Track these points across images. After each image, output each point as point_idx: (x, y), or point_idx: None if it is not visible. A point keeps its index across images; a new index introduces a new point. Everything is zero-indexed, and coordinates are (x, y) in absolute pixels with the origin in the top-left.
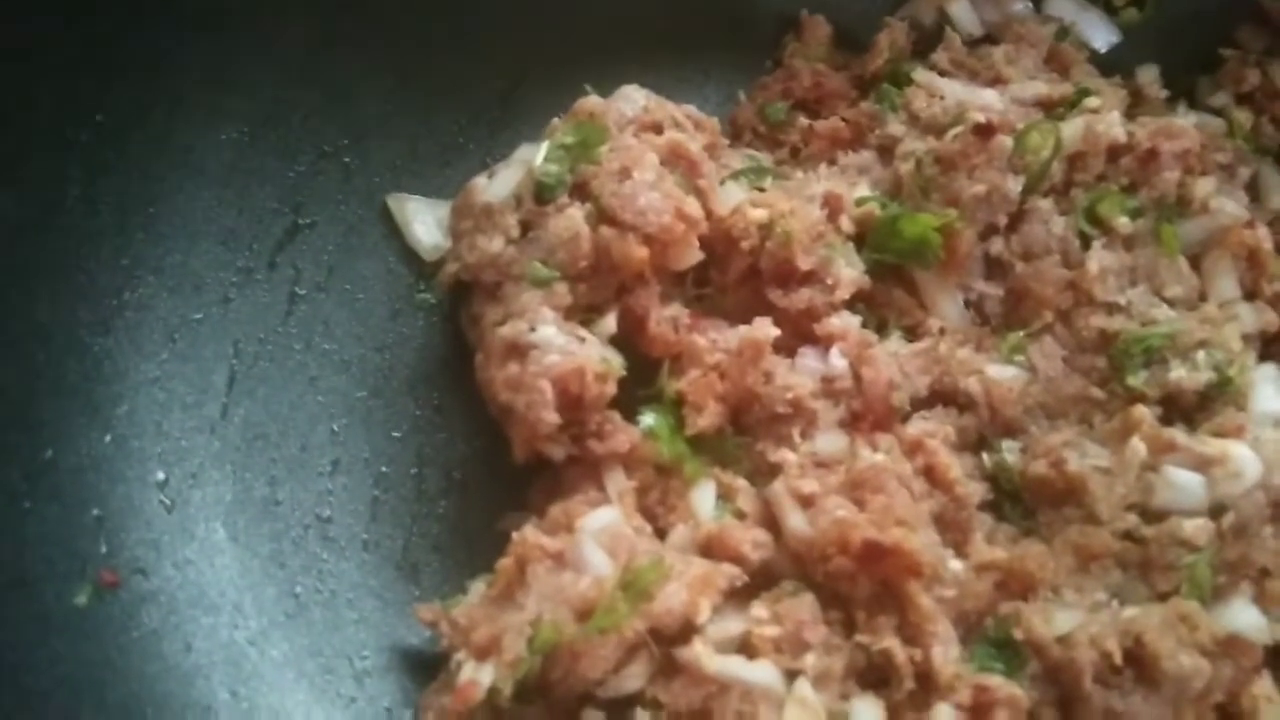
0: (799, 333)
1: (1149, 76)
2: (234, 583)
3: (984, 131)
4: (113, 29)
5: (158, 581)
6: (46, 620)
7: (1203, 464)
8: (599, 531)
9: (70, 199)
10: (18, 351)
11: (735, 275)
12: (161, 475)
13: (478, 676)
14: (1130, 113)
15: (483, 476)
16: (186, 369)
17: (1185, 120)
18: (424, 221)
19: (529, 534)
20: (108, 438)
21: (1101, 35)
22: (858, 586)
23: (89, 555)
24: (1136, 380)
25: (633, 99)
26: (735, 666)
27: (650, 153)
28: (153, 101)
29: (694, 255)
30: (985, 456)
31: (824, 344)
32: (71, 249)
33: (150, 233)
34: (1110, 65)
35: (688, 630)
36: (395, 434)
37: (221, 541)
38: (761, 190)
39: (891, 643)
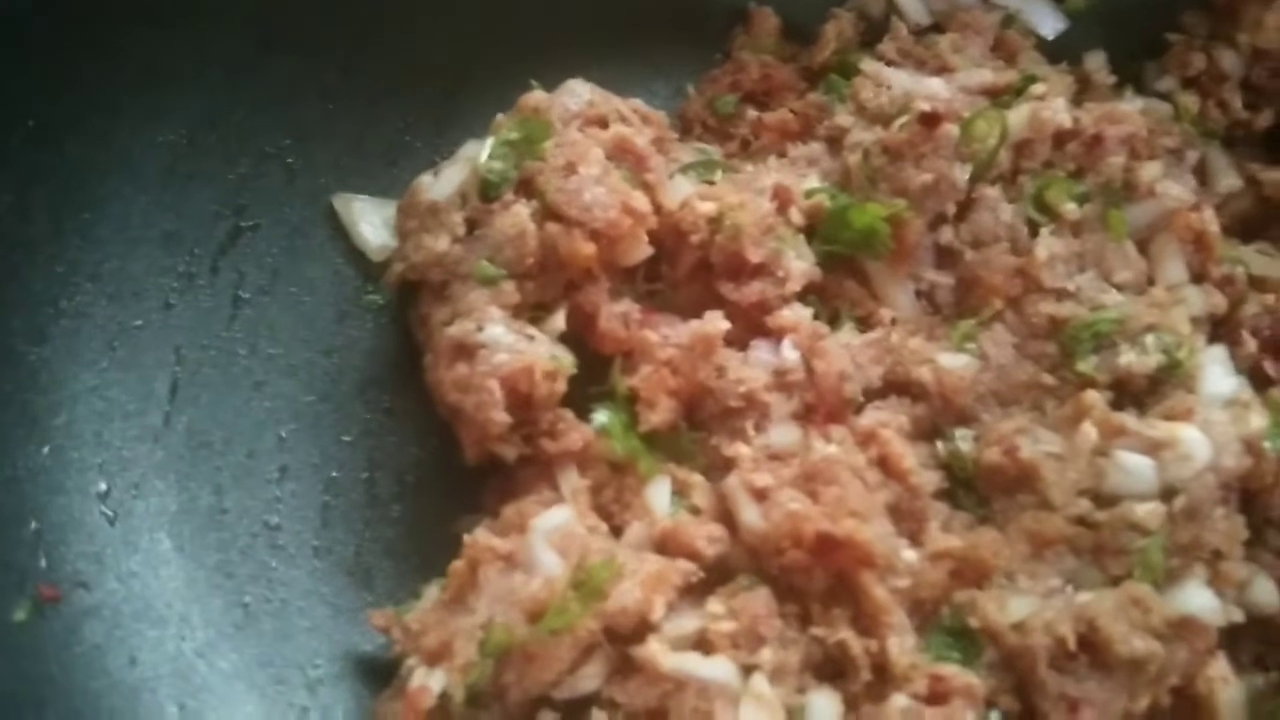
0: (750, 326)
1: (1096, 63)
2: (180, 594)
3: (930, 120)
4: (46, 31)
5: (100, 595)
6: None
7: (1153, 447)
8: (551, 531)
9: (2, 206)
10: None
11: (685, 269)
12: (103, 486)
13: (429, 682)
14: (1078, 99)
15: (435, 479)
16: (127, 377)
17: (1132, 105)
18: (370, 222)
19: (481, 536)
20: (45, 449)
21: (1048, 22)
22: (812, 579)
23: (27, 570)
24: (1087, 365)
25: (577, 93)
26: (691, 663)
27: (595, 147)
28: (87, 104)
29: (643, 250)
30: (939, 445)
31: (776, 337)
32: (4, 257)
33: (87, 238)
34: (1058, 52)
35: (643, 628)
36: (345, 438)
37: (167, 552)
38: (711, 184)
39: (847, 634)
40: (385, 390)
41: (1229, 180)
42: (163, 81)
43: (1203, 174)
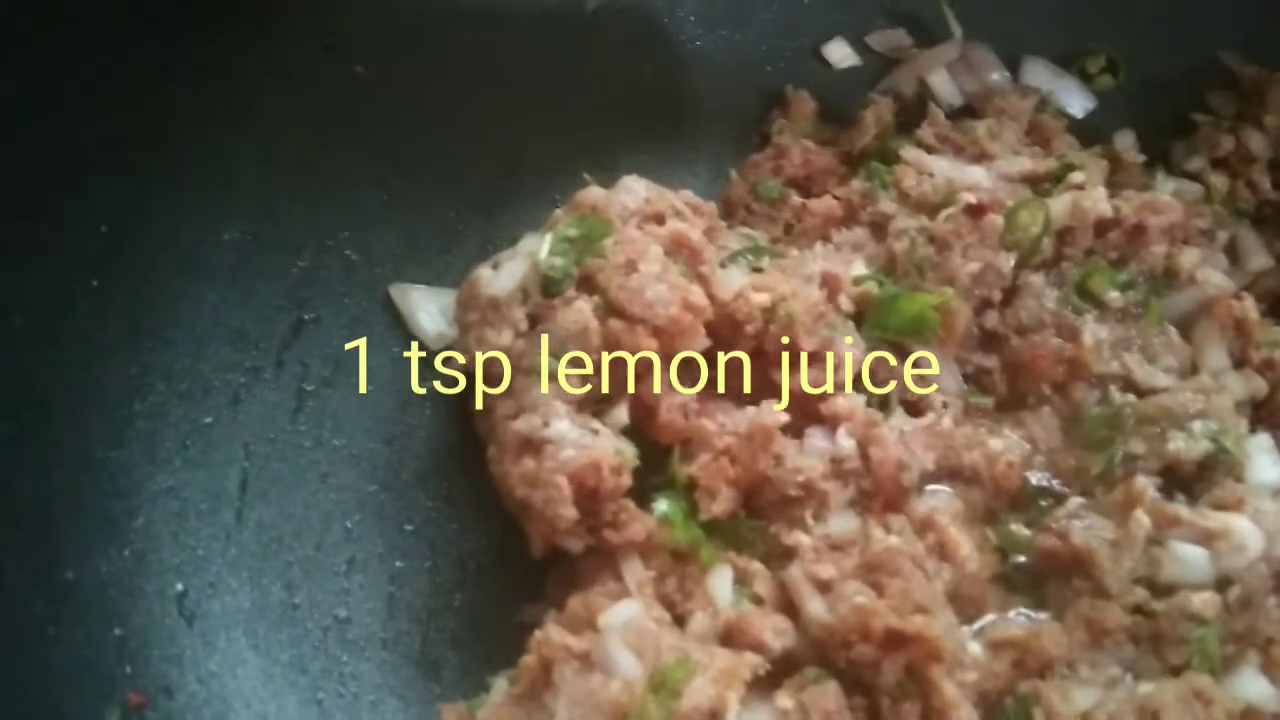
0: (805, 413)
1: (1126, 142)
2: (257, 693)
3: (975, 212)
4: (113, 133)
5: (183, 699)
6: None
7: (1206, 538)
8: (623, 628)
9: (79, 311)
10: (34, 473)
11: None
12: (180, 587)
13: None
14: (1109, 179)
15: (497, 566)
16: (199, 475)
17: (1164, 187)
18: (427, 310)
19: (553, 632)
20: (126, 553)
21: (1078, 102)
22: (881, 674)
23: (115, 677)
24: (1135, 450)
25: (634, 190)
26: None
27: (655, 244)
28: (155, 206)
29: (701, 342)
30: (990, 531)
31: (830, 424)
32: (82, 362)
33: (158, 339)
34: (1087, 131)
35: None
36: (408, 527)
37: (243, 651)
38: (760, 270)
39: None
40: (445, 477)
41: (1260, 259)
42: (225, 182)
43: (1233, 253)
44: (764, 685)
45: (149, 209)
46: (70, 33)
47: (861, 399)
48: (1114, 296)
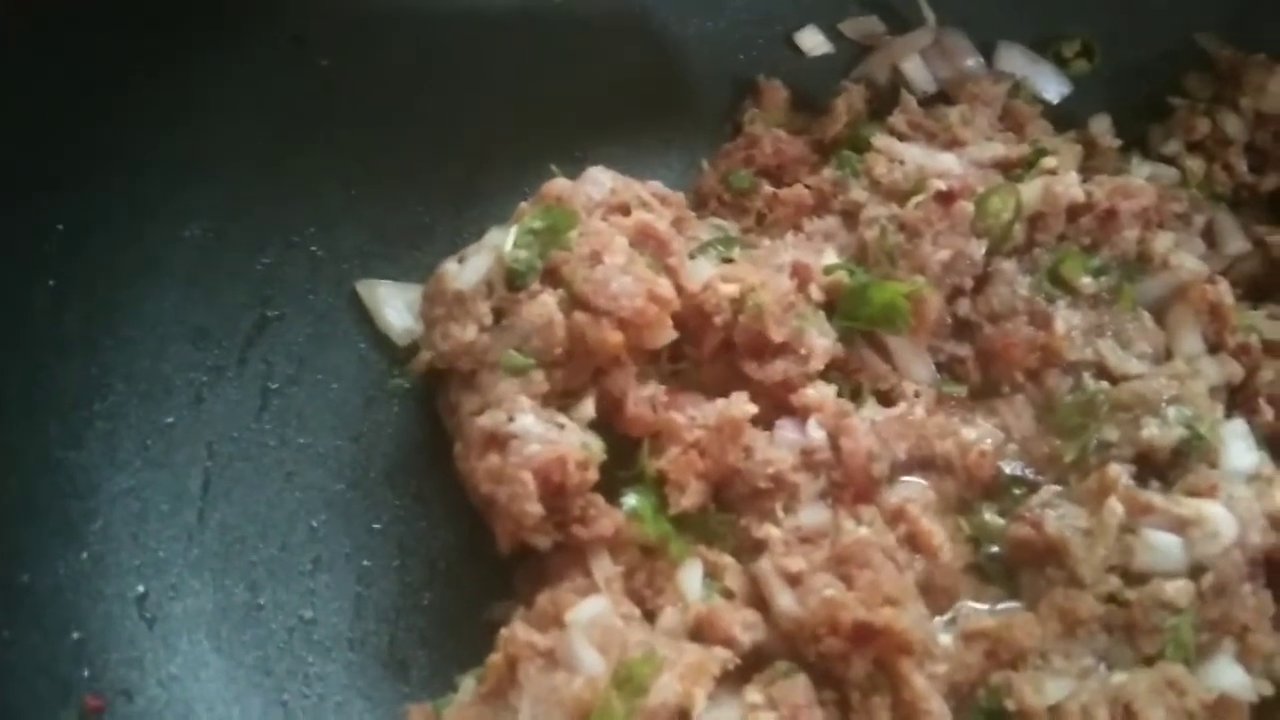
0: (775, 404)
1: (1102, 126)
2: (221, 695)
3: (945, 199)
4: (68, 133)
5: (143, 702)
6: None
7: (1180, 525)
8: (589, 625)
9: (35, 311)
10: None
11: (709, 349)
12: (141, 589)
13: None
14: (1085, 164)
15: (465, 564)
16: (160, 476)
17: (1140, 171)
18: (394, 306)
19: (519, 630)
20: (84, 555)
21: (1053, 87)
22: (851, 667)
23: (72, 680)
24: (1109, 437)
25: (599, 181)
26: None
27: (620, 236)
28: (113, 205)
29: (668, 334)
30: (963, 521)
31: (801, 415)
32: (39, 362)
33: (118, 338)
34: (1063, 116)
35: None
36: (375, 525)
37: (205, 653)
38: (730, 261)
39: None
40: (413, 475)
41: (1237, 243)
42: (188, 178)
43: (1210, 237)
44: (733, 680)
45: (107, 206)
46: (27, 29)
47: (832, 389)
48: (1086, 282)
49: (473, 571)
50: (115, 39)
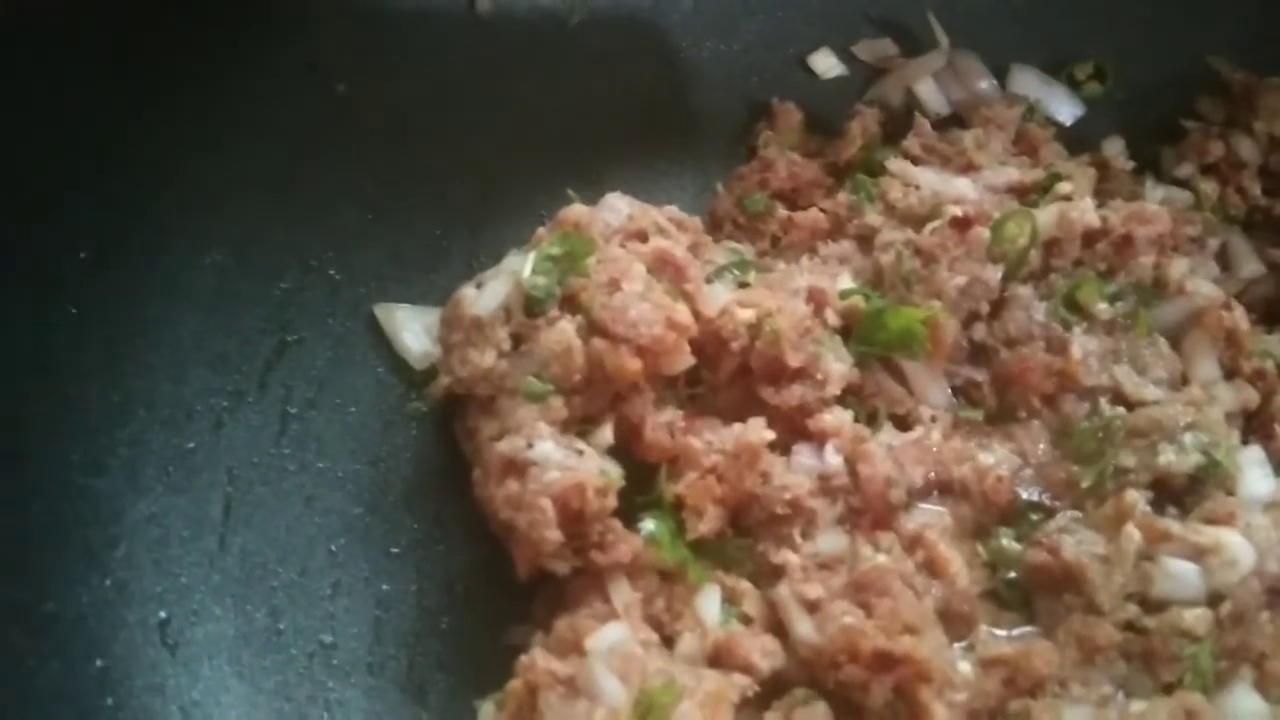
0: (792, 429)
1: (1115, 149)
2: None
3: (961, 225)
4: (87, 160)
5: None
6: None
7: (1198, 554)
8: (608, 652)
9: (57, 339)
10: (13, 504)
11: (726, 375)
12: (163, 615)
13: None
14: (1099, 187)
15: (484, 588)
16: (182, 502)
17: (1154, 194)
18: (412, 330)
19: (539, 657)
20: (108, 582)
21: (1066, 109)
22: (870, 695)
23: (96, 709)
24: (1125, 463)
25: (617, 208)
26: None
27: (638, 263)
28: (134, 231)
29: (686, 360)
30: (980, 546)
31: (818, 440)
32: (62, 389)
33: (139, 364)
34: (1076, 139)
35: None
36: (394, 550)
37: (227, 679)
38: (746, 285)
39: None
40: (431, 499)
41: (1251, 266)
42: (206, 205)
43: (1224, 260)
44: (752, 707)
45: (128, 234)
46: (46, 58)
47: (848, 414)
48: (1102, 308)
49: (491, 596)
50: (130, 66)
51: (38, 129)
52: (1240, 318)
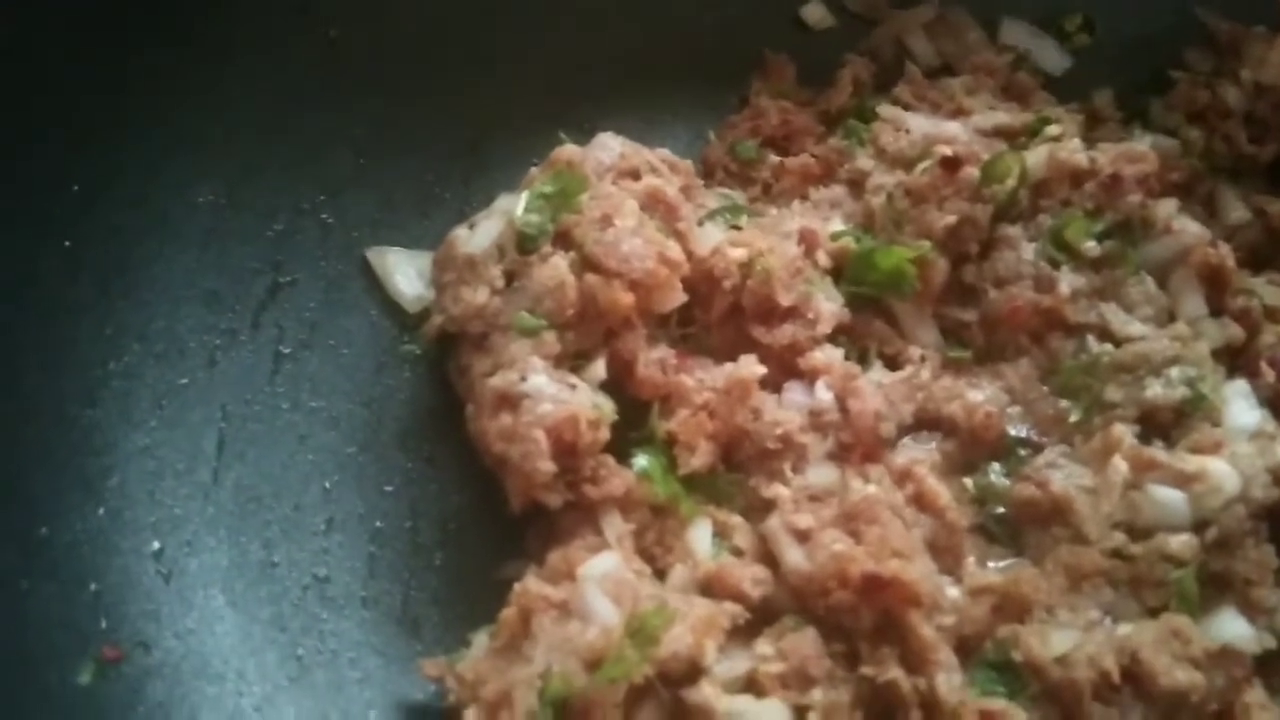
0: (784, 367)
1: (1104, 99)
2: (236, 649)
3: (951, 164)
4: (80, 97)
5: (160, 654)
6: (50, 701)
7: (1184, 481)
8: (601, 578)
9: (48, 270)
10: (6, 430)
11: (718, 314)
12: (157, 545)
13: None
14: (1087, 136)
15: (477, 525)
16: (175, 435)
17: (1142, 142)
18: (405, 273)
19: (531, 584)
20: (101, 510)
21: (1055, 60)
22: (859, 619)
23: (89, 632)
24: (1112, 397)
25: (609, 146)
26: (744, 705)
27: (630, 199)
28: (126, 167)
29: (678, 297)
30: (969, 481)
31: (809, 378)
32: (54, 321)
33: (132, 299)
34: (1064, 90)
35: (695, 672)
36: (388, 488)
37: (221, 608)
38: (738, 228)
39: (897, 673)
40: (425, 439)
41: (1237, 213)
42: (198, 143)
43: (1211, 207)
44: (743, 634)
45: (119, 170)
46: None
47: (839, 352)
48: (1090, 247)
49: (484, 532)
50: (126, 5)
51: (26, 65)
52: (1226, 254)
